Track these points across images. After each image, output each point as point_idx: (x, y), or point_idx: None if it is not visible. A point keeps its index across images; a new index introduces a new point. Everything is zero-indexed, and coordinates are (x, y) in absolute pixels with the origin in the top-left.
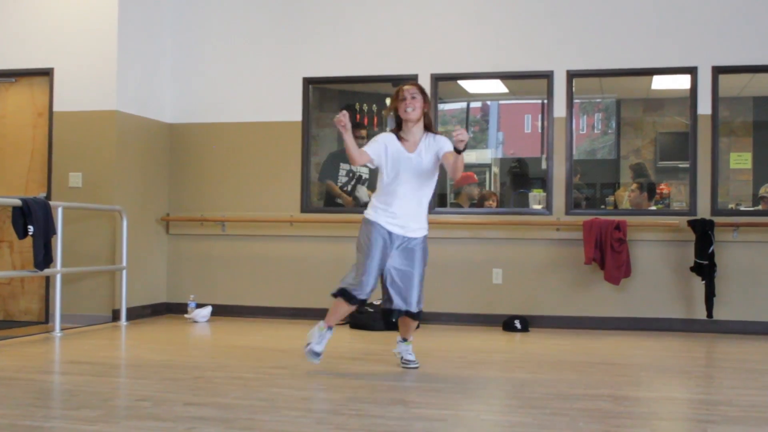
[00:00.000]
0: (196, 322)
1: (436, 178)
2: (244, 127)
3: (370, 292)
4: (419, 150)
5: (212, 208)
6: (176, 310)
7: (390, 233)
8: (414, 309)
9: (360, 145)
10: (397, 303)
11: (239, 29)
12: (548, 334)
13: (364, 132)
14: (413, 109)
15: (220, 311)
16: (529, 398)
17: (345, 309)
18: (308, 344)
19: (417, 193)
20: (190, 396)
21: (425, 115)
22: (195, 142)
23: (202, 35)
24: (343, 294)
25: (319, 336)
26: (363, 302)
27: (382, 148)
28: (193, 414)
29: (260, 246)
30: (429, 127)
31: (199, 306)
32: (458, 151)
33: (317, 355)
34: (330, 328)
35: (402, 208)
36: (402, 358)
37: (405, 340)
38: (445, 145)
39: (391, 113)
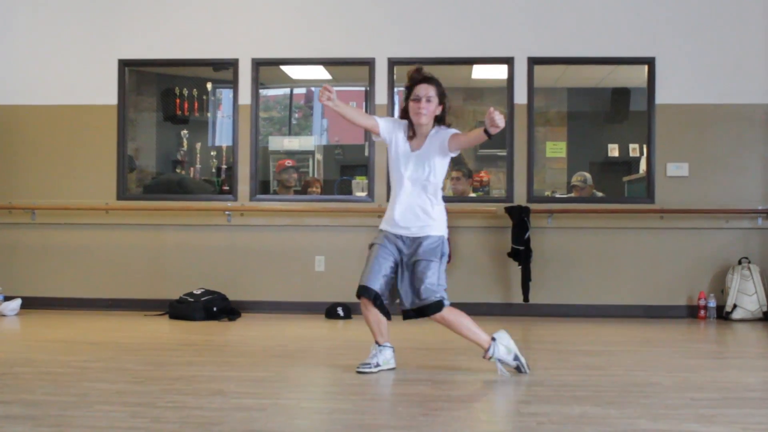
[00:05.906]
0: (3, 315)
1: (442, 172)
2: (55, 110)
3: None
4: (424, 147)
5: (21, 195)
6: None
7: (395, 236)
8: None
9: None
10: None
11: (48, 3)
12: None
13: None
14: (426, 114)
15: (30, 304)
16: (349, 385)
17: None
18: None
19: (421, 194)
20: None
21: (438, 115)
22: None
23: (4, 8)
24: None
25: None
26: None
27: (393, 131)
28: None
29: (73, 235)
30: (441, 121)
31: (7, 299)
32: (489, 135)
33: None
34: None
35: (403, 207)
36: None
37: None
38: (447, 135)
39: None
